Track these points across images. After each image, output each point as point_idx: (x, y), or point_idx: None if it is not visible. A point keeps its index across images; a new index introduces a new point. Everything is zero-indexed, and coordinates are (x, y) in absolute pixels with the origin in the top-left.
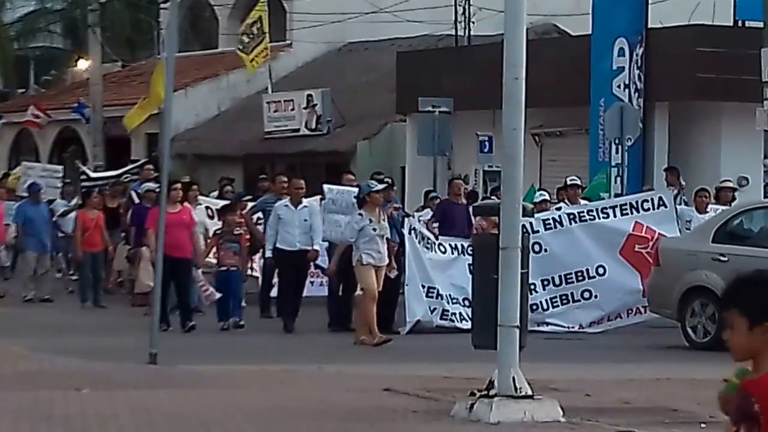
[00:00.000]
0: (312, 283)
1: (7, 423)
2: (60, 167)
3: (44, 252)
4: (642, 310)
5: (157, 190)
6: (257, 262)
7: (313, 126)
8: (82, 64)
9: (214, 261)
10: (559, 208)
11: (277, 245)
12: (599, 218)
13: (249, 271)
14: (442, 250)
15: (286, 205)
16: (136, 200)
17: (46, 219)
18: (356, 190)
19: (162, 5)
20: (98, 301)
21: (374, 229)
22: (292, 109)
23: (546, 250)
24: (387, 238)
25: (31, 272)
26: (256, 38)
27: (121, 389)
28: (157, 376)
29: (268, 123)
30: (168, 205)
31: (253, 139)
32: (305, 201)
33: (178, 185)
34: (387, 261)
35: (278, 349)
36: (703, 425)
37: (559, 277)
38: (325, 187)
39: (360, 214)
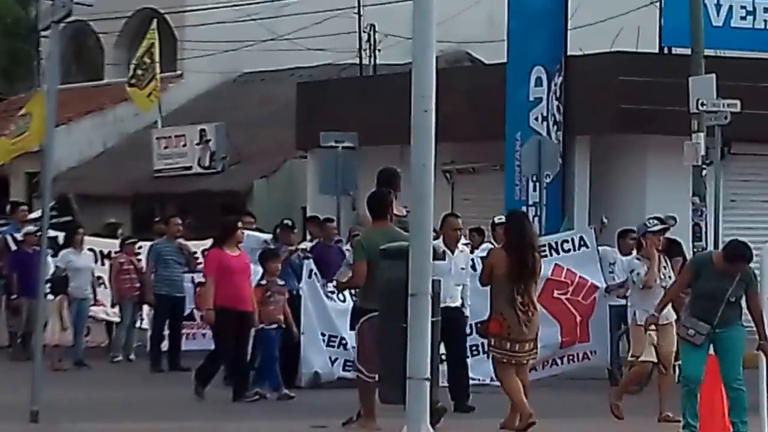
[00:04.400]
0: (204, 335)
1: None
2: None
3: None
4: (558, 361)
5: (39, 233)
6: (147, 312)
7: (207, 163)
8: None
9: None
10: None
11: None
12: (559, 253)
13: (138, 323)
14: (341, 298)
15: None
16: (13, 246)
17: None
18: (261, 235)
19: (42, 33)
20: None
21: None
22: (184, 145)
23: None
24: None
25: None
26: (150, 70)
27: None
28: None
29: (157, 160)
30: (228, 247)
31: (142, 177)
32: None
33: (245, 222)
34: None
35: (171, 405)
36: None
37: (470, 325)
38: None
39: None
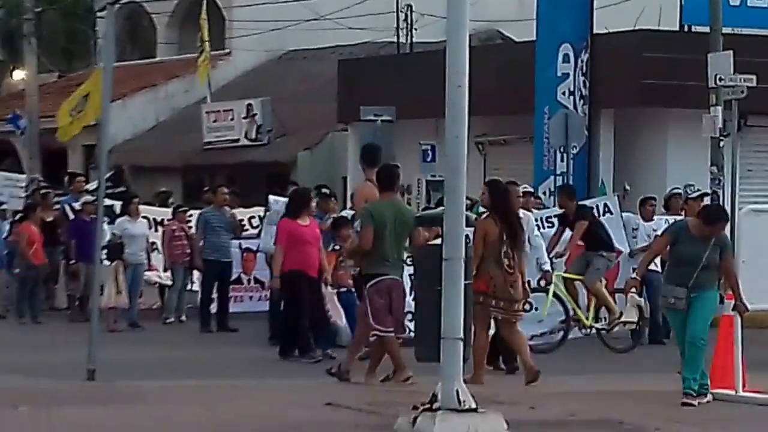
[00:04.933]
0: (251, 297)
1: None
2: (23, 176)
3: None
4: None
5: (96, 202)
6: (197, 276)
7: (253, 136)
8: (18, 75)
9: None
10: None
11: None
12: (543, 228)
13: (189, 285)
14: None
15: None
16: (71, 215)
17: None
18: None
19: (99, 14)
20: (36, 317)
21: None
22: (232, 119)
23: None
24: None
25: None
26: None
27: (59, 406)
28: (96, 393)
29: (207, 133)
30: (300, 217)
31: (192, 150)
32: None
33: (311, 195)
34: None
35: (219, 363)
36: None
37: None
38: (271, 198)
39: None
